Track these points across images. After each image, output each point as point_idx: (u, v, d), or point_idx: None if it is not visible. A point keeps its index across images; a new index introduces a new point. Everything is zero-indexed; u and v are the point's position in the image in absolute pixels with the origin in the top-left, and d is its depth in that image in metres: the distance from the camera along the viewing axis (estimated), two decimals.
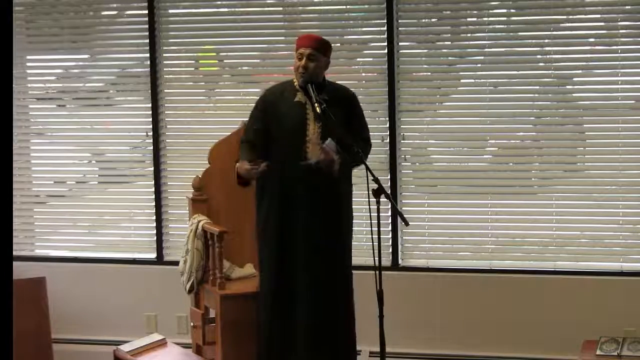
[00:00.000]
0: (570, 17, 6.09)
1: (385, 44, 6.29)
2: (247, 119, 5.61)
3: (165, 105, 6.68)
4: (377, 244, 4.98)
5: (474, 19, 6.27)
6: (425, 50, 6.33)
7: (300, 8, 6.50)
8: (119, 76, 6.82)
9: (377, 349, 5.08)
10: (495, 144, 6.33)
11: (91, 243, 6.87)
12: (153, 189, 6.70)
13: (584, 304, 6.05)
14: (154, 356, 5.69)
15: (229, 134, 6.08)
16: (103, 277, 6.74)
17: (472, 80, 6.30)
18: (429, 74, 6.37)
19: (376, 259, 4.97)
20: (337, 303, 5.41)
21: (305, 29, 6.23)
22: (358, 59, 6.46)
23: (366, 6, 6.41)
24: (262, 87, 6.25)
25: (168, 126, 6.69)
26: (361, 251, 5.90)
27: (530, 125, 6.26)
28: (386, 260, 6.08)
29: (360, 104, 5.57)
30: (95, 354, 6.60)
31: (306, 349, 5.36)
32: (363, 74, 6.43)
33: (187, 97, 6.69)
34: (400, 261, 6.35)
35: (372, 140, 5.59)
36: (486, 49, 6.20)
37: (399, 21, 6.29)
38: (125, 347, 5.73)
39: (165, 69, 6.66)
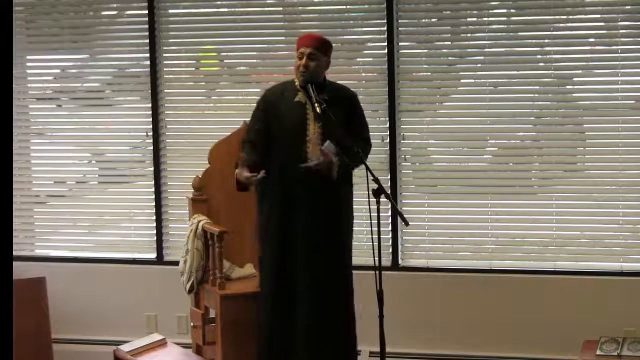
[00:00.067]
0: (570, 17, 6.09)
1: (385, 44, 6.29)
2: (248, 119, 5.62)
3: (165, 105, 6.68)
4: (377, 244, 4.98)
5: (474, 19, 6.27)
6: (425, 50, 6.32)
7: (300, 8, 6.51)
8: (119, 76, 6.82)
9: (377, 349, 5.08)
10: (495, 144, 6.33)
11: (91, 243, 6.87)
12: (153, 189, 6.70)
13: (584, 304, 6.05)
14: (154, 356, 5.69)
15: (229, 134, 6.09)
16: (103, 277, 6.74)
17: (472, 80, 6.30)
18: (429, 74, 6.37)
19: (376, 259, 4.98)
20: (337, 303, 5.41)
21: (305, 29, 6.22)
22: (358, 59, 6.46)
23: (366, 6, 6.41)
24: (262, 87, 6.25)
25: (168, 126, 6.69)
26: (361, 251, 5.90)
27: (530, 125, 6.26)
28: (386, 260, 6.08)
29: (361, 104, 5.57)
30: (95, 354, 6.60)
31: (306, 349, 5.37)
32: (363, 74, 6.43)
33: (187, 97, 6.69)
34: (400, 261, 6.35)
35: (372, 140, 5.59)
36: (486, 49, 6.20)
37: (399, 21, 6.29)
38: (125, 347, 5.73)
39: (165, 69, 6.66)
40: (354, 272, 5.48)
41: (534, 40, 6.13)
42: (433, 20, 6.35)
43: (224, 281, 5.72)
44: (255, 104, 5.58)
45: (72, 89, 6.86)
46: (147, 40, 6.64)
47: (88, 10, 6.83)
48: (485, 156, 6.35)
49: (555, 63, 6.12)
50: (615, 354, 5.66)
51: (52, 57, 6.88)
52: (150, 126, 6.67)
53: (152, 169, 6.69)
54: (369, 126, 5.59)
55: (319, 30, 6.09)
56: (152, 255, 6.73)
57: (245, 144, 5.49)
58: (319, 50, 5.37)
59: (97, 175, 6.96)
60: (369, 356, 6.23)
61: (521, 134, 6.29)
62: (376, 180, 5.06)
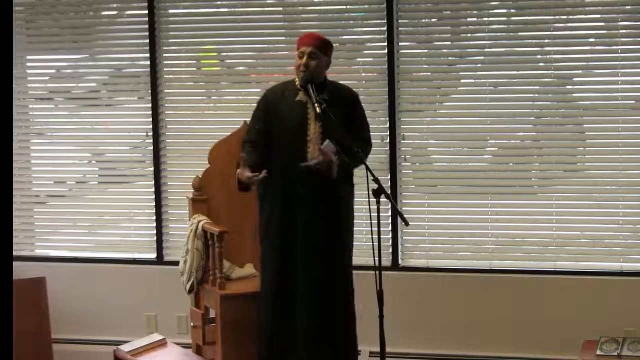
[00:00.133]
0: (570, 17, 6.09)
1: (385, 44, 6.29)
2: (248, 119, 5.62)
3: (165, 105, 6.68)
4: (377, 244, 4.98)
5: (474, 19, 6.27)
6: (425, 50, 6.32)
7: (300, 8, 6.51)
8: (119, 76, 6.81)
9: (377, 349, 5.08)
10: (495, 144, 6.33)
11: (91, 243, 6.87)
12: (153, 189, 6.70)
13: (584, 304, 6.05)
14: (154, 356, 5.69)
15: (229, 134, 6.09)
16: (103, 277, 6.74)
17: (472, 80, 6.30)
18: (429, 74, 6.37)
19: (376, 259, 4.97)
20: (337, 303, 5.41)
21: (305, 29, 6.22)
22: (358, 59, 6.46)
23: (366, 6, 6.41)
24: (262, 87, 6.25)
25: (168, 126, 6.69)
26: (361, 251, 5.89)
27: (530, 125, 6.26)
28: (386, 260, 6.08)
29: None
30: (95, 354, 6.60)
31: (306, 349, 5.37)
32: (363, 74, 6.43)
33: (187, 97, 6.69)
34: (400, 261, 6.35)
35: (372, 140, 5.59)
36: (486, 49, 6.20)
37: (399, 21, 6.29)
38: (125, 347, 5.73)
39: (165, 69, 6.66)
40: (354, 272, 5.48)
41: (534, 40, 6.13)
42: (433, 20, 6.35)
43: (224, 281, 5.72)
44: (255, 104, 5.58)
45: (72, 89, 6.86)
46: (147, 40, 6.64)
47: (88, 10, 6.83)
48: (485, 156, 6.35)
49: (555, 63, 6.12)
50: (615, 354, 5.66)
51: (52, 57, 6.88)
52: (150, 126, 6.67)
53: (152, 169, 6.69)
54: (369, 126, 5.59)
55: (319, 30, 6.09)
56: (152, 255, 6.73)
57: (246, 144, 5.49)
58: (320, 49, 5.38)
59: (97, 175, 6.96)
60: (369, 356, 6.23)
61: (521, 134, 6.29)
62: (376, 180, 5.06)
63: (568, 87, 6.19)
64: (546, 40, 6.10)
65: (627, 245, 6.09)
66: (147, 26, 6.63)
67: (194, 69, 6.74)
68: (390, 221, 6.27)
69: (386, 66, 6.29)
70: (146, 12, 6.63)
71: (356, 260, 5.57)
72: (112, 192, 6.88)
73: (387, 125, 6.31)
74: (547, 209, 6.18)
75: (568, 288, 6.09)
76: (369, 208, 5.02)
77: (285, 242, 5.39)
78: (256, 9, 6.53)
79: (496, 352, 6.18)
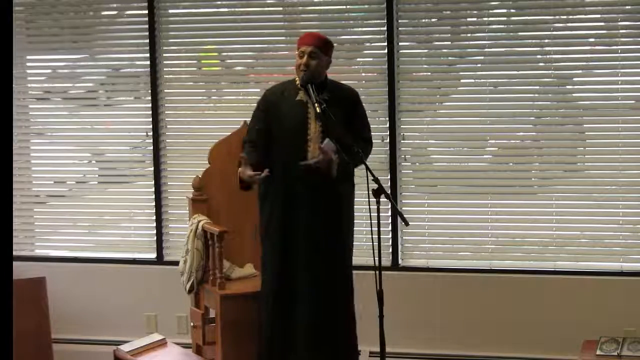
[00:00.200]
0: (570, 17, 6.09)
1: (385, 44, 6.29)
2: (248, 119, 5.62)
3: (165, 105, 6.68)
4: (377, 244, 4.98)
5: (474, 19, 6.27)
6: (425, 50, 6.32)
7: (300, 8, 6.51)
8: (119, 76, 6.81)
9: (377, 349, 5.08)
10: (495, 144, 6.33)
11: (91, 243, 6.87)
12: (153, 189, 6.70)
13: (584, 304, 6.05)
14: (154, 356, 5.69)
15: (229, 134, 6.09)
16: (103, 277, 6.74)
17: (472, 80, 6.30)
18: (429, 74, 6.37)
19: (376, 259, 4.97)
20: (338, 303, 5.41)
21: (305, 29, 6.22)
22: (358, 59, 6.46)
23: (366, 6, 6.41)
24: (262, 87, 6.25)
25: (168, 126, 6.69)
26: (361, 251, 5.89)
27: (530, 125, 6.26)
28: (386, 260, 6.08)
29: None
30: (95, 354, 6.60)
31: (306, 349, 5.37)
32: (363, 74, 6.43)
33: (187, 97, 6.69)
34: (400, 261, 6.35)
35: (372, 140, 5.59)
36: (486, 49, 6.20)
37: (399, 21, 6.29)
38: (125, 347, 5.73)
39: (165, 69, 6.66)
40: (354, 272, 5.48)
41: (534, 40, 6.13)
42: (433, 20, 6.35)
43: (224, 281, 5.72)
44: (255, 104, 5.58)
45: (71, 89, 6.86)
46: (147, 40, 6.64)
47: (88, 10, 6.83)
48: (485, 156, 6.35)
49: (555, 63, 6.12)
50: (615, 354, 5.66)
51: (52, 57, 6.88)
52: (150, 126, 6.67)
53: (152, 169, 6.69)
54: (370, 126, 5.59)
55: (319, 30, 6.08)
56: (152, 255, 6.73)
57: (246, 144, 5.49)
58: (320, 49, 5.38)
59: (97, 175, 6.96)
60: (369, 356, 6.23)
61: (521, 134, 6.29)
62: (376, 180, 5.06)
63: (568, 87, 6.19)
64: (546, 40, 6.10)
65: (627, 245, 6.09)
66: (147, 26, 6.63)
67: (194, 69, 6.74)
68: (390, 221, 6.27)
69: (386, 66, 6.29)
70: (146, 12, 6.63)
71: (356, 260, 5.57)
72: (112, 192, 6.88)
73: (387, 125, 6.31)
74: (547, 209, 6.18)
75: (568, 288, 6.09)
76: (369, 208, 5.02)
77: (285, 242, 5.39)
78: (256, 9, 6.53)
79: (496, 352, 6.18)
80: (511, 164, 6.34)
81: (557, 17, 6.09)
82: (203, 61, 6.74)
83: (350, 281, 5.46)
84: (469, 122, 6.30)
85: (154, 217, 6.70)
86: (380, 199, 5.00)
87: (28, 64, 6.93)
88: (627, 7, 5.99)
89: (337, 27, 6.41)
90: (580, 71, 6.16)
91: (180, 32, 6.64)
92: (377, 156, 6.21)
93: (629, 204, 6.06)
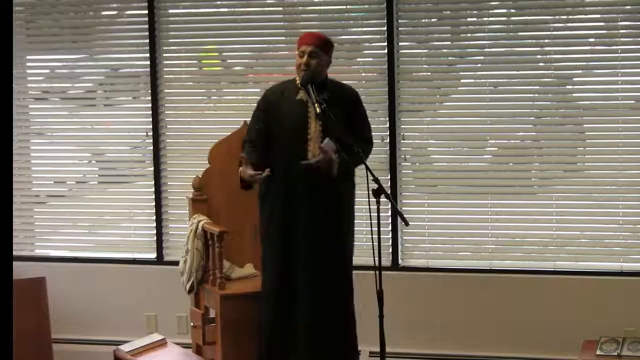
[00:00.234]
0: (570, 17, 6.09)
1: (385, 44, 6.29)
2: (248, 119, 5.62)
3: (165, 105, 6.68)
4: (377, 244, 4.98)
5: (474, 19, 6.27)
6: (425, 50, 6.32)
7: (300, 8, 6.51)
8: (119, 76, 6.81)
9: (377, 349, 5.08)
10: (495, 144, 6.33)
11: (91, 243, 6.87)
12: (153, 189, 6.70)
13: (584, 304, 6.05)
14: (154, 356, 5.69)
15: (229, 134, 6.09)
16: (103, 277, 6.74)
17: (472, 80, 6.30)
18: (429, 74, 6.37)
19: (376, 259, 4.97)
20: (338, 303, 5.41)
21: (305, 29, 6.21)
22: (358, 59, 6.46)
23: (366, 6, 6.41)
24: (262, 87, 6.25)
25: (168, 126, 6.69)
26: (361, 251, 5.88)
27: (530, 125, 6.26)
28: (386, 260, 6.08)
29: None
30: (95, 354, 6.60)
31: (306, 349, 5.37)
32: (363, 74, 6.43)
33: (187, 97, 6.69)
34: (400, 261, 6.35)
35: (373, 140, 5.59)
36: (486, 49, 6.20)
37: (399, 21, 6.29)
38: (125, 347, 5.73)
39: (165, 69, 6.66)
40: (354, 272, 5.48)
41: (534, 40, 6.13)
42: (433, 20, 6.35)
43: (224, 281, 5.72)
44: (255, 104, 5.58)
45: (71, 88, 6.86)
46: (147, 40, 6.64)
47: (88, 10, 6.83)
48: (485, 156, 6.35)
49: (555, 63, 6.12)
50: (615, 354, 5.66)
51: (52, 57, 6.88)
52: (150, 126, 6.67)
53: (152, 169, 6.69)
54: (370, 126, 5.59)
55: (319, 30, 6.08)
56: (152, 255, 6.73)
57: (246, 143, 5.49)
58: (321, 48, 5.38)
59: (97, 175, 6.96)
60: (369, 356, 6.22)
61: (521, 134, 6.29)
62: (376, 180, 5.06)
63: (568, 87, 6.19)
64: (546, 40, 6.10)
65: (627, 245, 6.09)
66: (147, 26, 6.63)
67: (194, 69, 6.74)
68: (390, 221, 6.27)
69: (386, 66, 6.29)
70: (146, 12, 6.63)
71: (356, 260, 5.57)
72: (112, 192, 6.88)
73: (387, 125, 6.31)
74: (547, 209, 6.18)
75: (568, 288, 6.09)
76: (369, 208, 5.02)
77: (285, 242, 5.39)
78: (256, 9, 6.53)
79: (496, 352, 6.18)
80: (511, 164, 6.34)
81: (557, 17, 6.09)
82: (203, 61, 6.74)
83: (350, 281, 5.46)
84: (469, 122, 6.30)
85: (154, 217, 6.70)
86: (380, 199, 5.00)
87: (28, 64, 6.93)
88: (627, 7, 5.99)
89: (337, 27, 6.41)
90: (580, 71, 6.16)
91: (180, 32, 6.64)
92: (377, 156, 6.21)
93: (629, 204, 6.06)
